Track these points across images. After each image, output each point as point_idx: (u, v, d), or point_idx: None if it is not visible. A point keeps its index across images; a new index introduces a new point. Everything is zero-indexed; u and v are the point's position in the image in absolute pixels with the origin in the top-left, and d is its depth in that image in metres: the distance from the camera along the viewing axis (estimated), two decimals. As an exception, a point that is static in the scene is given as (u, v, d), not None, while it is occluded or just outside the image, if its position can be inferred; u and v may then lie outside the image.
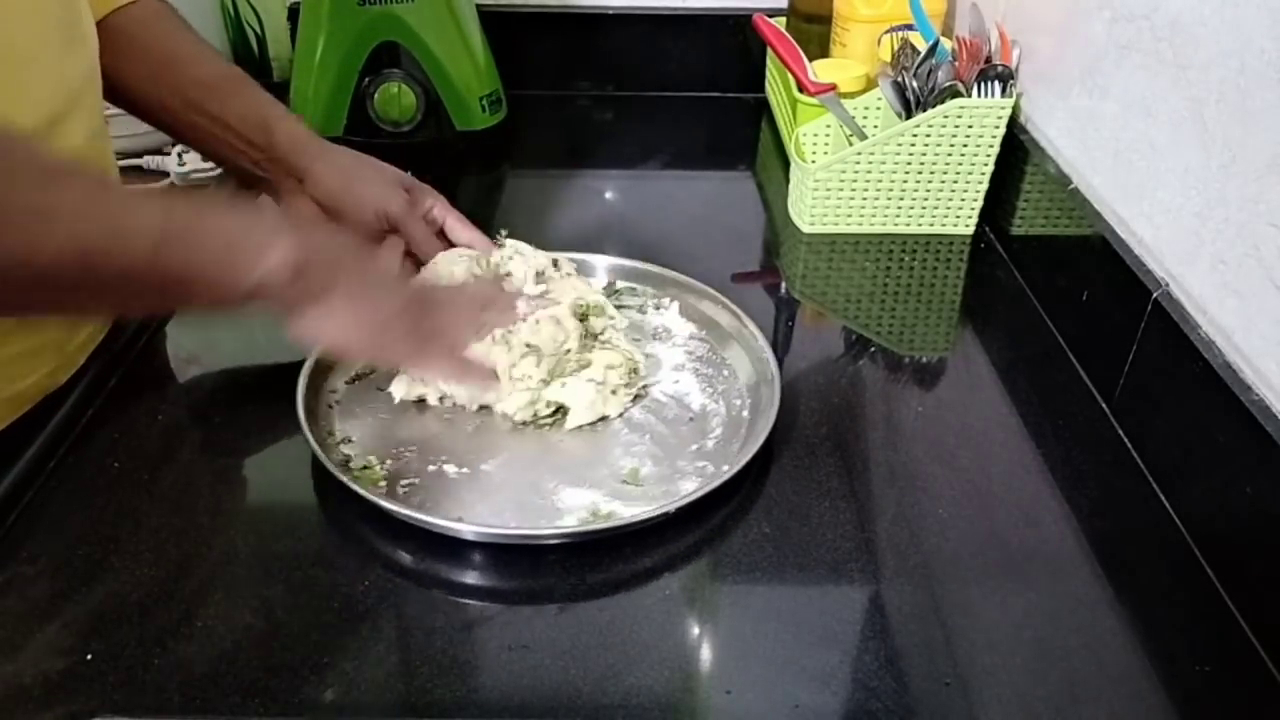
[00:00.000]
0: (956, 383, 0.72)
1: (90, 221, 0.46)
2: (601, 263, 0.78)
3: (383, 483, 0.59)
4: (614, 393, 0.64)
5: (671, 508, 0.55)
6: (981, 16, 0.85)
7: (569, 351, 0.64)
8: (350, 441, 0.62)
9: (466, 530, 0.55)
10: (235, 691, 0.47)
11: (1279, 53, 0.53)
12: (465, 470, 0.60)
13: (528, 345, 0.63)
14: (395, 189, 0.74)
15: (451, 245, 0.75)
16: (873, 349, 0.75)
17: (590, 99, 1.18)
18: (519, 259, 0.70)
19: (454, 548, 0.55)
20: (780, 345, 0.75)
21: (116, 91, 0.74)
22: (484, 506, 0.58)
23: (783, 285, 0.83)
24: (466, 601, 0.53)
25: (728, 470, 0.58)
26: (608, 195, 0.99)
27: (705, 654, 0.50)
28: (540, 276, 0.69)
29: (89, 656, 0.48)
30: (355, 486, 0.55)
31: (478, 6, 1.05)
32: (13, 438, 0.63)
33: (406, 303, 0.60)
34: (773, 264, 0.87)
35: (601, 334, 0.67)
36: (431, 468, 0.60)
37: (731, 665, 0.50)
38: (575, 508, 0.57)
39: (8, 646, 0.49)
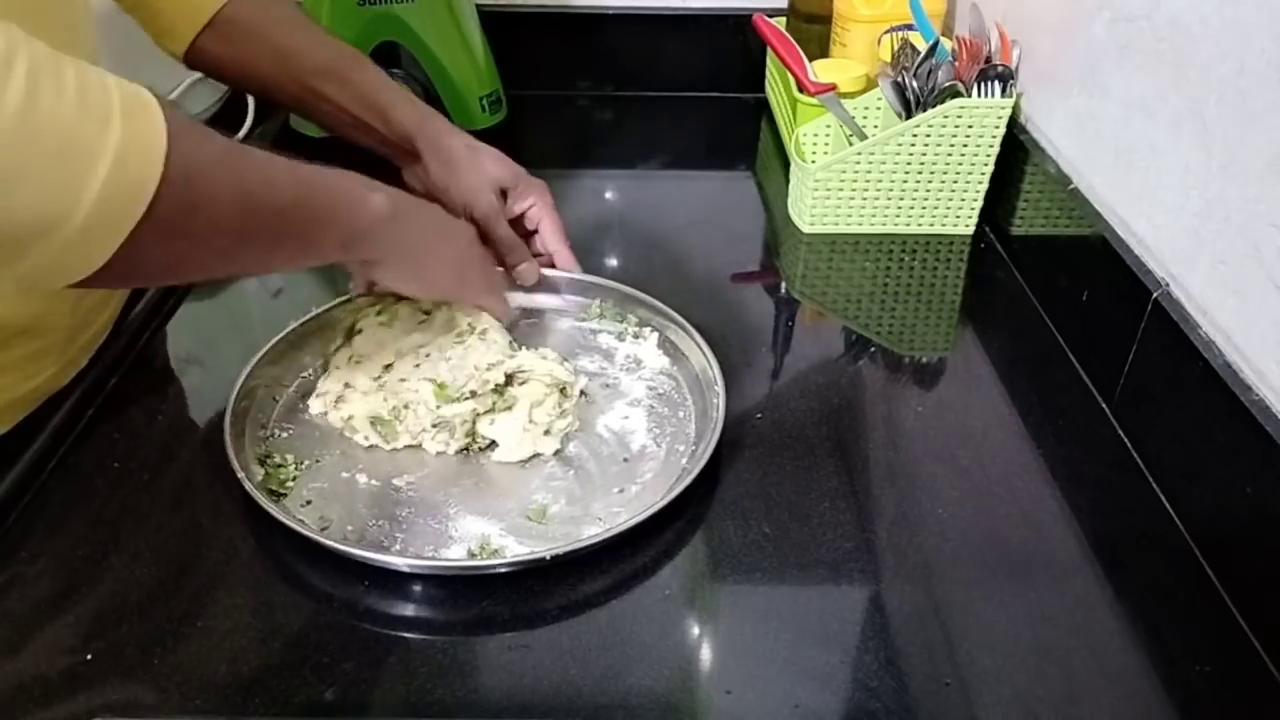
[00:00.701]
0: (956, 383, 0.72)
1: (247, 171, 0.50)
2: (593, 282, 0.75)
3: (290, 483, 0.59)
4: (547, 432, 0.62)
5: (547, 554, 0.52)
6: (981, 16, 0.85)
7: (495, 388, 0.62)
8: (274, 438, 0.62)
9: (441, 566, 0.54)
10: (235, 691, 0.47)
11: (1279, 53, 0.53)
12: (375, 483, 0.60)
13: (437, 383, 0.62)
14: (487, 191, 0.75)
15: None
16: (873, 349, 0.75)
17: (590, 99, 1.18)
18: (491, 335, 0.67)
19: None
20: (780, 345, 0.75)
21: (240, 82, 0.79)
22: (378, 523, 0.57)
23: (783, 285, 0.83)
24: (466, 601, 0.53)
25: (623, 522, 0.54)
26: (608, 195, 0.99)
27: (705, 654, 0.50)
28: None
29: (89, 656, 0.48)
30: (272, 511, 0.54)
31: (478, 6, 1.05)
32: (14, 438, 0.63)
33: (466, 252, 0.66)
34: (773, 264, 0.87)
35: (519, 375, 0.64)
36: (344, 474, 0.60)
37: (731, 665, 0.50)
38: (467, 537, 0.56)
39: (8, 646, 0.49)
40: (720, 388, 0.63)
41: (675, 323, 0.70)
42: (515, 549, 0.55)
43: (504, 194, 0.76)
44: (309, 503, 0.58)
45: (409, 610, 0.52)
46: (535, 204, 0.77)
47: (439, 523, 0.57)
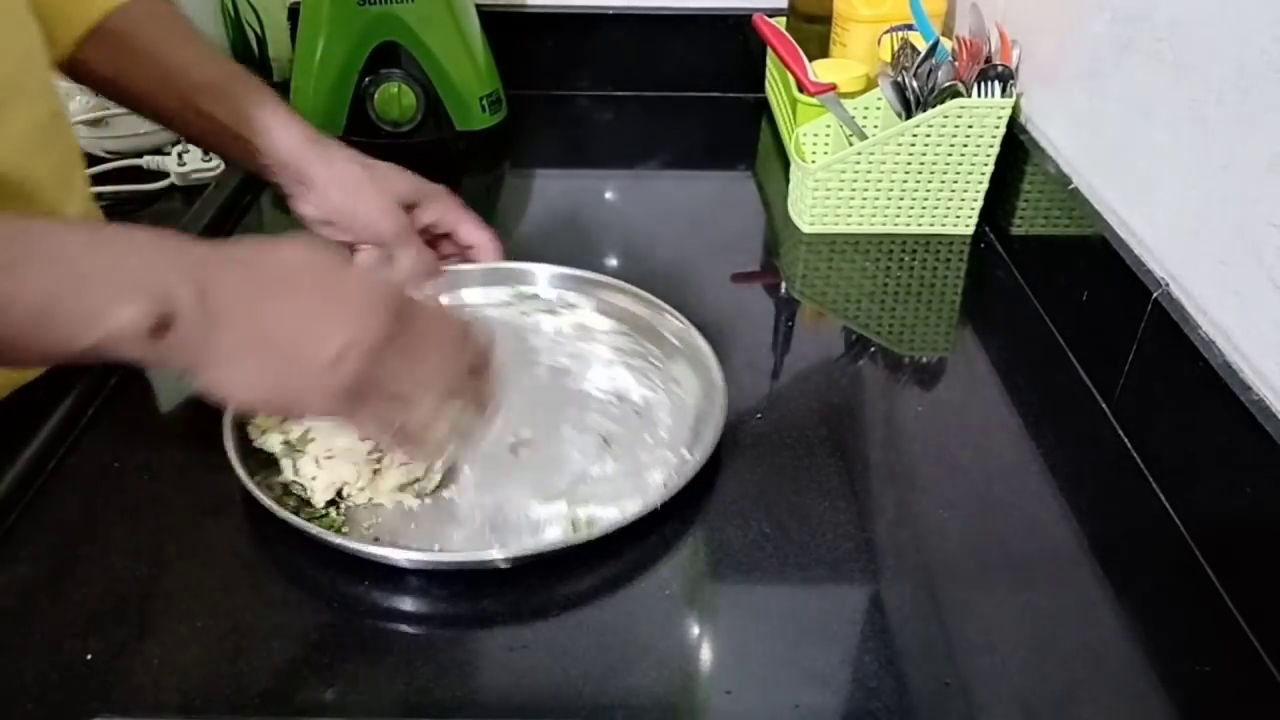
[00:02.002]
0: (956, 383, 0.72)
1: None
2: (508, 268, 0.76)
3: (343, 514, 0.57)
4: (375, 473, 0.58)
5: (657, 503, 0.55)
6: (981, 16, 0.85)
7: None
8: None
9: (446, 561, 0.53)
10: (235, 691, 0.47)
11: (1279, 53, 0.53)
12: (425, 500, 0.58)
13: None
14: (391, 211, 0.71)
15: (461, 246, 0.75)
16: (873, 349, 0.75)
17: (590, 99, 1.18)
18: None
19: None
20: (780, 345, 0.75)
21: (119, 95, 0.73)
22: (460, 534, 0.56)
23: (783, 285, 0.83)
24: (466, 601, 0.53)
25: (699, 459, 0.57)
26: (607, 195, 0.99)
27: (705, 654, 0.50)
28: None
29: (89, 656, 0.48)
30: (310, 528, 0.53)
31: (478, 6, 1.05)
32: (12, 436, 0.63)
33: (347, 349, 0.47)
34: (773, 264, 0.87)
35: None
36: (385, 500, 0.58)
37: (731, 665, 0.50)
38: (554, 518, 0.56)
39: (8, 646, 0.49)
40: (681, 318, 0.67)
41: (606, 285, 0.73)
42: (602, 514, 0.56)
43: (409, 208, 0.73)
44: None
45: (409, 610, 0.52)
46: (443, 211, 0.74)
47: (516, 515, 0.57)
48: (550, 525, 0.56)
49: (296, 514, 0.54)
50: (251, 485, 0.55)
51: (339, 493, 0.57)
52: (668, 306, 0.69)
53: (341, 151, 0.72)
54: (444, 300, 0.71)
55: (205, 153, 1.03)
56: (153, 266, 0.45)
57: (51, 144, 0.66)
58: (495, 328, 0.60)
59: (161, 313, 0.44)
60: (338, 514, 0.57)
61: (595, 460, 0.61)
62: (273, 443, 0.58)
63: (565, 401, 0.65)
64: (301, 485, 0.57)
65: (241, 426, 0.59)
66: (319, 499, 0.56)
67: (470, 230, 0.75)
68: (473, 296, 0.75)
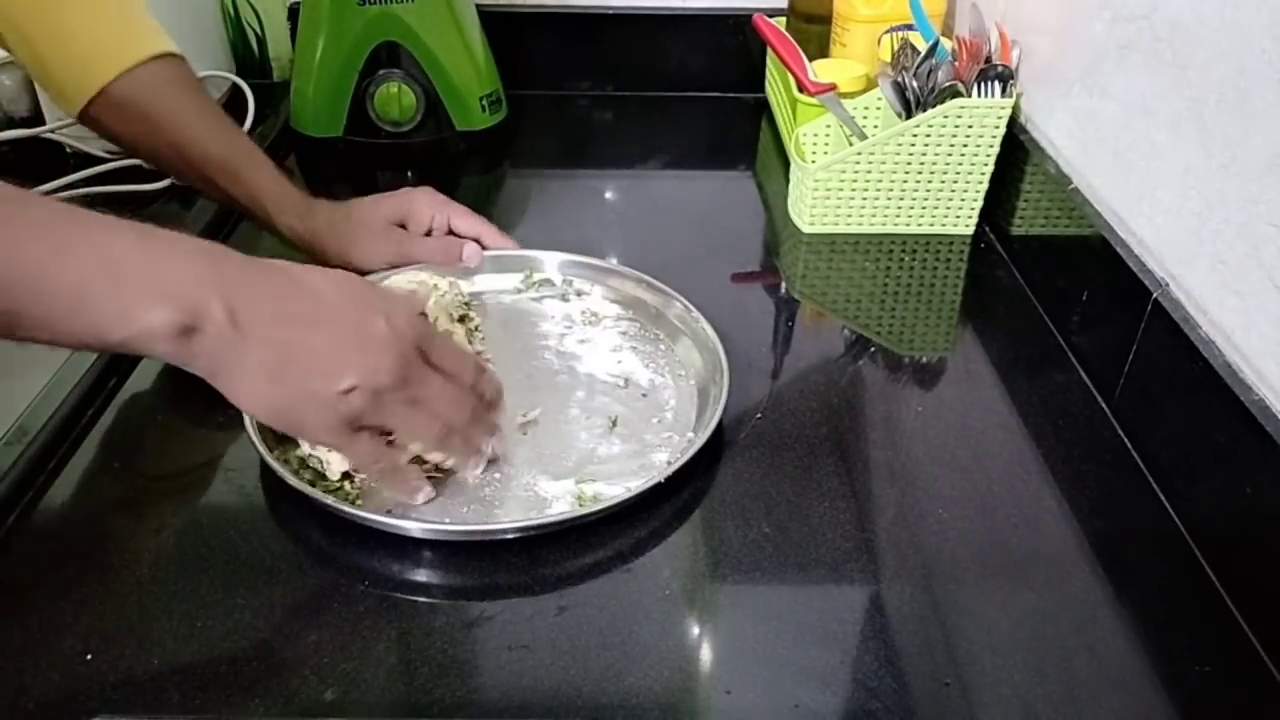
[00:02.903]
0: (956, 383, 0.72)
1: None
2: (520, 255, 0.78)
3: (345, 483, 0.58)
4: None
5: (661, 478, 0.56)
6: (981, 16, 0.85)
7: None
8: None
9: (457, 531, 0.55)
10: (235, 691, 0.47)
11: (1279, 53, 0.53)
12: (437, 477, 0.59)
13: None
14: (382, 234, 0.75)
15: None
16: (873, 349, 0.75)
17: (590, 99, 1.18)
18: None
19: (454, 547, 0.55)
20: (780, 345, 0.75)
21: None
22: (469, 509, 0.57)
23: (783, 285, 0.83)
24: (466, 601, 0.53)
25: (702, 437, 0.59)
26: (608, 195, 0.99)
27: (705, 654, 0.50)
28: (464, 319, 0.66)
29: (89, 656, 0.48)
30: (324, 497, 0.55)
31: (478, 6, 1.05)
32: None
33: (362, 380, 0.50)
34: (773, 264, 0.87)
35: None
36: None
37: (731, 665, 0.50)
38: (560, 495, 0.58)
39: (8, 646, 0.49)
40: (688, 305, 0.70)
41: (616, 273, 0.75)
42: (608, 491, 0.58)
43: (404, 224, 0.77)
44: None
45: (410, 610, 0.52)
46: (434, 211, 0.77)
47: (525, 490, 0.58)
48: (557, 501, 0.57)
49: (313, 486, 0.55)
50: (270, 458, 0.56)
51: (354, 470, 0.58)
52: (674, 292, 0.72)
53: (326, 211, 0.76)
54: (464, 287, 0.71)
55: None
56: (190, 277, 0.46)
57: None
58: (498, 369, 0.62)
59: (189, 323, 0.46)
60: (353, 487, 0.58)
61: (602, 440, 0.62)
62: None
63: (574, 384, 0.68)
64: (318, 459, 0.57)
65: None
66: (334, 471, 0.57)
67: (464, 223, 0.78)
68: (484, 282, 0.77)
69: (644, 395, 0.66)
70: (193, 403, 0.67)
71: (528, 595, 0.53)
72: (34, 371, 0.66)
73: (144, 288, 0.45)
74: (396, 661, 0.49)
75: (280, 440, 0.59)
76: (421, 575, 0.54)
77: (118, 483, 0.59)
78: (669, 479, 0.57)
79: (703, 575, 0.54)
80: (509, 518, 0.57)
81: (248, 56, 1.18)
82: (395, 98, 0.99)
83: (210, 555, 0.55)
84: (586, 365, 0.69)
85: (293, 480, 0.55)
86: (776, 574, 0.54)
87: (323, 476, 0.58)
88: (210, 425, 0.65)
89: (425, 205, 0.77)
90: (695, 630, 0.51)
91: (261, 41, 1.18)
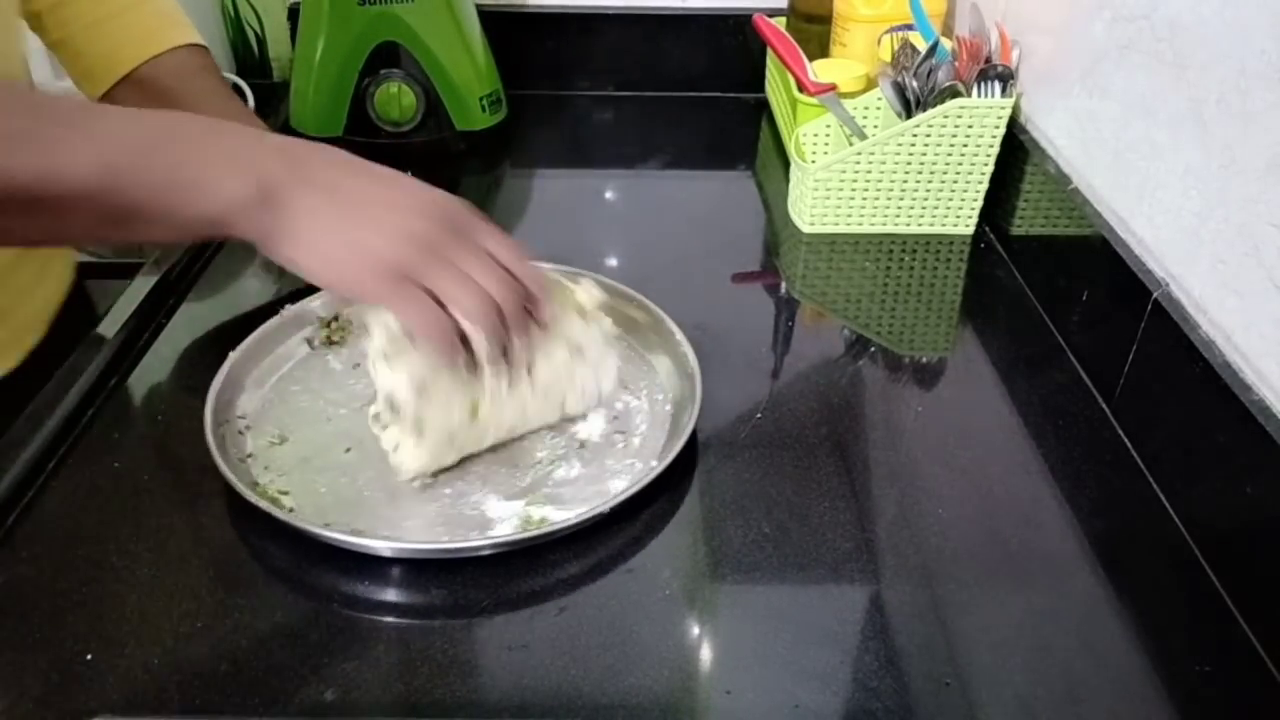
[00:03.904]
0: (956, 383, 0.72)
1: (21, 153, 0.45)
2: None
3: (286, 495, 0.57)
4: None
5: (605, 508, 0.54)
6: (981, 16, 0.85)
7: None
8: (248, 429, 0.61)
9: (382, 548, 0.53)
10: (235, 691, 0.47)
11: (1279, 53, 0.53)
12: (381, 483, 0.58)
13: None
14: None
15: None
16: (873, 349, 0.75)
17: (590, 99, 1.18)
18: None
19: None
20: (780, 345, 0.75)
21: None
22: (411, 523, 0.56)
23: (783, 285, 0.83)
24: (466, 601, 0.53)
25: (656, 466, 0.57)
26: (608, 195, 0.99)
27: (705, 654, 0.50)
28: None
29: (89, 656, 0.48)
30: (273, 510, 0.53)
31: (478, 6, 1.05)
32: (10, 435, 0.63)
33: (414, 234, 0.51)
34: (773, 264, 0.87)
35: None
36: (343, 479, 0.59)
37: (731, 665, 0.50)
38: (506, 517, 0.56)
39: (8, 646, 0.49)
40: (674, 327, 0.67)
41: (606, 289, 0.71)
42: (555, 516, 0.56)
43: None
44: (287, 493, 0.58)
45: (409, 610, 0.52)
46: None
47: (472, 509, 0.57)
48: (501, 523, 0.56)
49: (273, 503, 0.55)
50: (224, 466, 0.56)
51: None
52: (659, 309, 0.69)
53: None
54: None
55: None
56: (255, 151, 0.51)
57: None
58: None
59: (262, 186, 0.50)
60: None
61: (564, 464, 0.60)
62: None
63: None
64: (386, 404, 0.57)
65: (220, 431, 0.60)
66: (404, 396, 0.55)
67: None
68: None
69: (615, 418, 0.64)
70: (193, 403, 0.67)
71: (528, 595, 0.53)
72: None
73: (223, 165, 0.50)
74: (396, 661, 0.49)
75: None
76: (422, 576, 0.54)
77: (118, 483, 0.59)
78: (620, 506, 0.55)
79: (703, 575, 0.54)
80: (448, 537, 0.55)
81: (248, 56, 1.18)
82: (395, 98, 0.99)
83: (210, 555, 0.55)
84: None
85: (249, 495, 0.54)
86: (776, 574, 0.54)
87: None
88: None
89: None
90: (695, 630, 0.51)
91: (261, 41, 1.19)
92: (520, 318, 0.55)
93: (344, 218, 0.51)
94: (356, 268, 0.51)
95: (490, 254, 0.54)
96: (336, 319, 0.71)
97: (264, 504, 0.54)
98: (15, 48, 0.67)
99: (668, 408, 0.65)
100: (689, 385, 0.63)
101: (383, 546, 0.53)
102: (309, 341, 0.70)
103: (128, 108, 0.51)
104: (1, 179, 0.45)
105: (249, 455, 0.60)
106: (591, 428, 0.63)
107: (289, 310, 0.69)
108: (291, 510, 0.56)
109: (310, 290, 0.70)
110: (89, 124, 0.48)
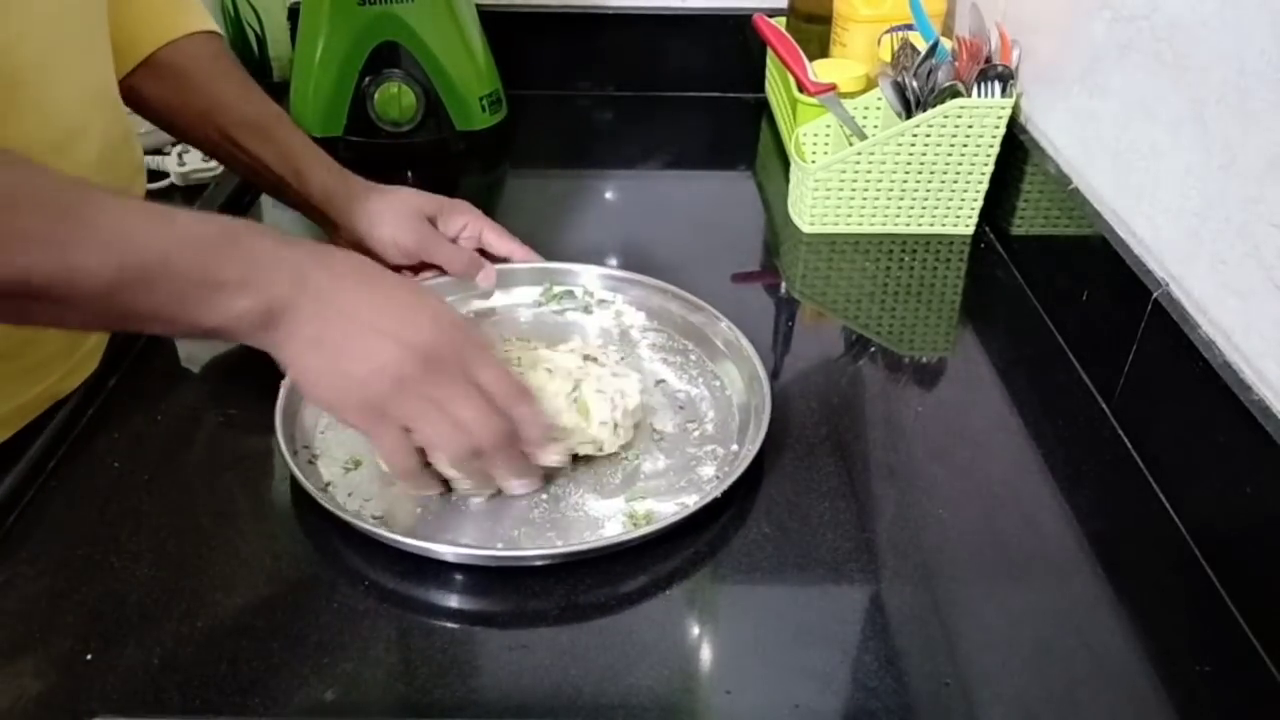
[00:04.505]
0: (956, 383, 0.72)
1: (37, 254, 0.46)
2: (540, 268, 0.77)
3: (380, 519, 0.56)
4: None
5: (718, 492, 0.55)
6: (981, 16, 0.85)
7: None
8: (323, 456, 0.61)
9: (507, 557, 0.54)
10: (235, 691, 0.47)
11: (1279, 53, 0.53)
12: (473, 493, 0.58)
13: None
14: (411, 220, 0.73)
15: (494, 258, 0.76)
16: (873, 349, 0.75)
17: (590, 99, 1.18)
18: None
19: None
20: (780, 345, 0.75)
21: (167, 124, 0.77)
22: (518, 530, 0.56)
23: (783, 285, 0.83)
24: (467, 601, 0.53)
25: (750, 450, 0.58)
26: (608, 195, 0.99)
27: (705, 654, 0.50)
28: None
29: (89, 656, 0.48)
30: (353, 519, 0.54)
31: (478, 6, 1.05)
32: (15, 440, 0.63)
33: (400, 372, 0.51)
34: (773, 264, 0.87)
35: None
36: (433, 495, 0.58)
37: (731, 665, 0.50)
38: (611, 514, 0.57)
39: (8, 646, 0.49)
40: (717, 314, 0.69)
41: (641, 284, 0.74)
42: (660, 508, 0.57)
43: (433, 222, 0.75)
44: (350, 494, 0.58)
45: (410, 610, 0.52)
46: (468, 221, 0.76)
47: (575, 511, 0.57)
48: (609, 521, 0.56)
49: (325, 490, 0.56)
50: (290, 461, 0.56)
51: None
52: (703, 302, 0.71)
53: (366, 188, 0.75)
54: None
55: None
56: (267, 268, 0.51)
57: (120, 163, 0.70)
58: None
59: (268, 309, 0.50)
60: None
61: (647, 455, 0.61)
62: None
63: None
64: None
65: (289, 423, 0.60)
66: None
67: (498, 240, 0.77)
68: (504, 295, 0.76)
69: (681, 408, 0.65)
70: (192, 403, 0.67)
71: (528, 595, 0.53)
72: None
73: (234, 279, 0.50)
74: (396, 661, 0.49)
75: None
76: (422, 576, 0.54)
77: (118, 483, 0.59)
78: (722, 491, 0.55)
79: (703, 575, 0.54)
80: (561, 540, 0.55)
81: (248, 56, 1.18)
82: (395, 98, 0.99)
83: (210, 555, 0.55)
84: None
85: (303, 482, 0.55)
86: (776, 574, 0.54)
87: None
88: (210, 425, 0.65)
89: (462, 212, 0.76)
90: (695, 630, 0.51)
91: (261, 41, 1.19)
92: (504, 453, 0.54)
93: (338, 350, 0.52)
94: (343, 399, 0.53)
95: (482, 388, 0.53)
96: None
97: (381, 532, 0.53)
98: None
99: (728, 392, 0.66)
100: (746, 367, 0.65)
101: (507, 556, 0.54)
102: None
103: (144, 201, 0.51)
104: (15, 278, 0.45)
105: (328, 485, 0.58)
106: (663, 420, 0.64)
107: None
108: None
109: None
110: (106, 225, 0.47)
